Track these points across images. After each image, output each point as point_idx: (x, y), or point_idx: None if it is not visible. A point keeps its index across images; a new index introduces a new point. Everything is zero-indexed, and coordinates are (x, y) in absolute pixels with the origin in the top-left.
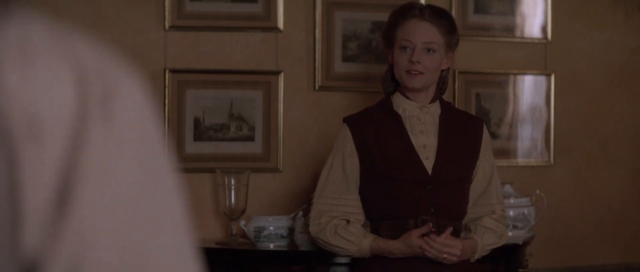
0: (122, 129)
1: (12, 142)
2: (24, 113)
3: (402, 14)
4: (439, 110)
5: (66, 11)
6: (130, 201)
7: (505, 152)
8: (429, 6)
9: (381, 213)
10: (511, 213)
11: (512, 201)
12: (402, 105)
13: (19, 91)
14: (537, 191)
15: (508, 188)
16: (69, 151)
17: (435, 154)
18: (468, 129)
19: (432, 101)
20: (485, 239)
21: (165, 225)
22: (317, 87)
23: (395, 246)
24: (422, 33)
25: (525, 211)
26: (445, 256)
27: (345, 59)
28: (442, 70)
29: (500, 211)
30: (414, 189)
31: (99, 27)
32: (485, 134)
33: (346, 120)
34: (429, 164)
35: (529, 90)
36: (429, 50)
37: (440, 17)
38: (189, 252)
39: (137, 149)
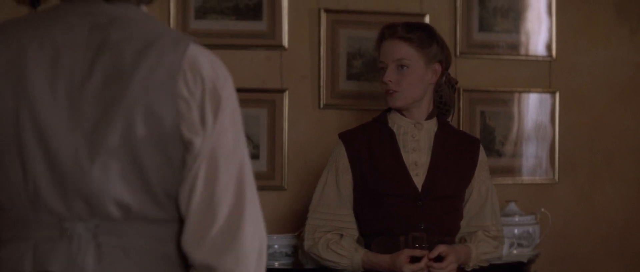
0: (229, 106)
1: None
2: (210, 81)
3: (380, 37)
4: (435, 128)
5: None
6: (235, 136)
7: (510, 170)
8: (402, 23)
9: (373, 229)
10: (516, 231)
11: (516, 219)
12: (397, 122)
13: (208, 79)
14: (542, 209)
15: (513, 206)
16: (213, 102)
17: (426, 170)
18: (464, 148)
19: (429, 118)
20: (480, 247)
21: (246, 156)
22: (322, 105)
23: (384, 260)
24: (392, 51)
25: (530, 228)
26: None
27: (350, 76)
28: (436, 85)
29: (494, 231)
30: (404, 205)
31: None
32: (482, 156)
33: (341, 136)
34: (419, 180)
35: (534, 107)
36: (402, 66)
37: (412, 31)
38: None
39: (236, 115)
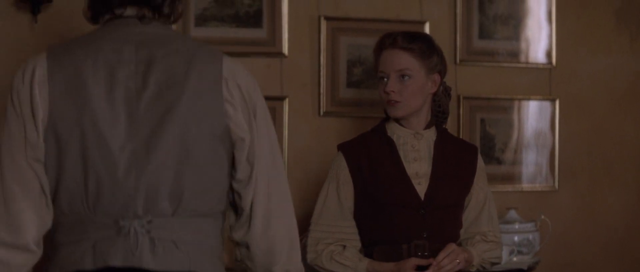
0: (264, 111)
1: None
2: (245, 88)
3: (379, 47)
4: (434, 137)
5: (73, 35)
6: (275, 137)
7: (510, 178)
8: (402, 33)
9: (375, 238)
10: (516, 238)
11: (516, 226)
12: (397, 132)
13: (244, 86)
14: (542, 216)
15: (513, 213)
16: (250, 106)
17: (428, 179)
18: (463, 156)
19: (427, 127)
20: (478, 248)
21: (279, 157)
22: (322, 113)
23: (389, 269)
24: (394, 61)
25: (530, 236)
26: (449, 268)
27: (350, 84)
28: (434, 94)
29: (492, 236)
30: (407, 213)
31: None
32: (480, 162)
33: (340, 147)
34: (421, 189)
35: (534, 115)
36: (403, 76)
37: (413, 41)
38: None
39: (270, 119)
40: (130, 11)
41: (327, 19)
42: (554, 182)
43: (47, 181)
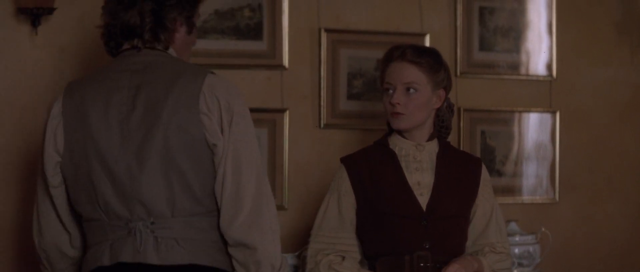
0: (242, 117)
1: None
2: (224, 99)
3: (387, 58)
4: (436, 149)
5: (73, 46)
6: (250, 140)
7: (510, 190)
8: (411, 46)
9: (378, 249)
10: (516, 251)
11: (517, 238)
12: (399, 144)
13: (222, 98)
14: (543, 229)
15: (513, 226)
16: (228, 115)
17: (430, 190)
18: (466, 168)
19: (429, 139)
20: (489, 258)
21: (259, 156)
22: (322, 125)
23: None
24: (401, 74)
25: (531, 248)
26: None
27: (351, 96)
28: (437, 110)
29: (501, 248)
30: (409, 224)
31: (106, 62)
32: (484, 174)
33: (343, 160)
34: (423, 200)
35: (534, 127)
36: (409, 89)
37: (421, 56)
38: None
39: (248, 124)
40: (127, 45)
41: (328, 31)
42: (554, 194)
43: (65, 203)
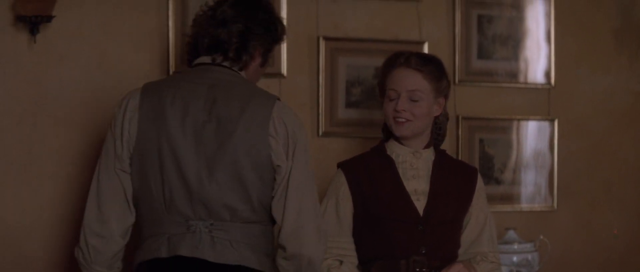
0: (304, 145)
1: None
2: (290, 127)
3: (390, 64)
4: (432, 156)
5: (72, 54)
6: (305, 170)
7: (508, 198)
8: (416, 54)
9: (374, 254)
10: (515, 259)
11: (515, 246)
12: (396, 151)
13: (289, 125)
14: (541, 237)
15: (512, 233)
16: (293, 142)
17: (426, 196)
18: (462, 176)
19: (426, 146)
20: (482, 267)
21: (311, 182)
22: (321, 133)
23: None
24: (407, 81)
25: (529, 256)
26: None
27: (349, 104)
28: (436, 117)
29: (492, 257)
30: (405, 229)
31: (104, 70)
32: (480, 183)
33: (340, 165)
34: (420, 205)
35: (533, 135)
36: (413, 97)
37: (426, 64)
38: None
39: (308, 151)
40: (205, 58)
41: (326, 39)
42: (552, 202)
43: (131, 187)
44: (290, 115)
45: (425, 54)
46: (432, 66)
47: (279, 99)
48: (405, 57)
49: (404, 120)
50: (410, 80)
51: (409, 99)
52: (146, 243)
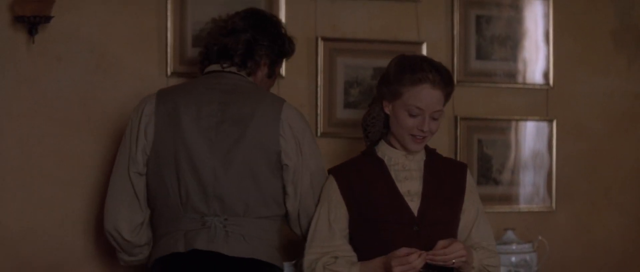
0: (308, 142)
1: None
2: (296, 128)
3: (414, 79)
4: (423, 157)
5: (70, 55)
6: (313, 163)
7: (507, 198)
8: (438, 72)
9: (371, 256)
10: (513, 259)
11: (514, 247)
12: (388, 153)
13: (294, 126)
14: (539, 237)
15: (510, 234)
16: (298, 141)
17: (420, 197)
18: (452, 174)
19: None
20: (479, 252)
21: (319, 181)
22: (319, 134)
23: (379, 261)
24: (433, 102)
25: (527, 257)
26: (454, 261)
27: (347, 105)
28: None
29: (487, 246)
30: (401, 231)
31: (103, 71)
32: (469, 179)
33: (331, 171)
34: (414, 206)
35: (531, 136)
36: (436, 116)
37: (448, 84)
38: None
39: (313, 146)
40: (216, 66)
41: (325, 40)
42: (551, 203)
43: (143, 188)
44: (297, 117)
45: (445, 71)
46: (451, 86)
47: (285, 101)
48: (431, 77)
49: (424, 138)
50: (436, 101)
51: (432, 118)
52: (162, 240)
